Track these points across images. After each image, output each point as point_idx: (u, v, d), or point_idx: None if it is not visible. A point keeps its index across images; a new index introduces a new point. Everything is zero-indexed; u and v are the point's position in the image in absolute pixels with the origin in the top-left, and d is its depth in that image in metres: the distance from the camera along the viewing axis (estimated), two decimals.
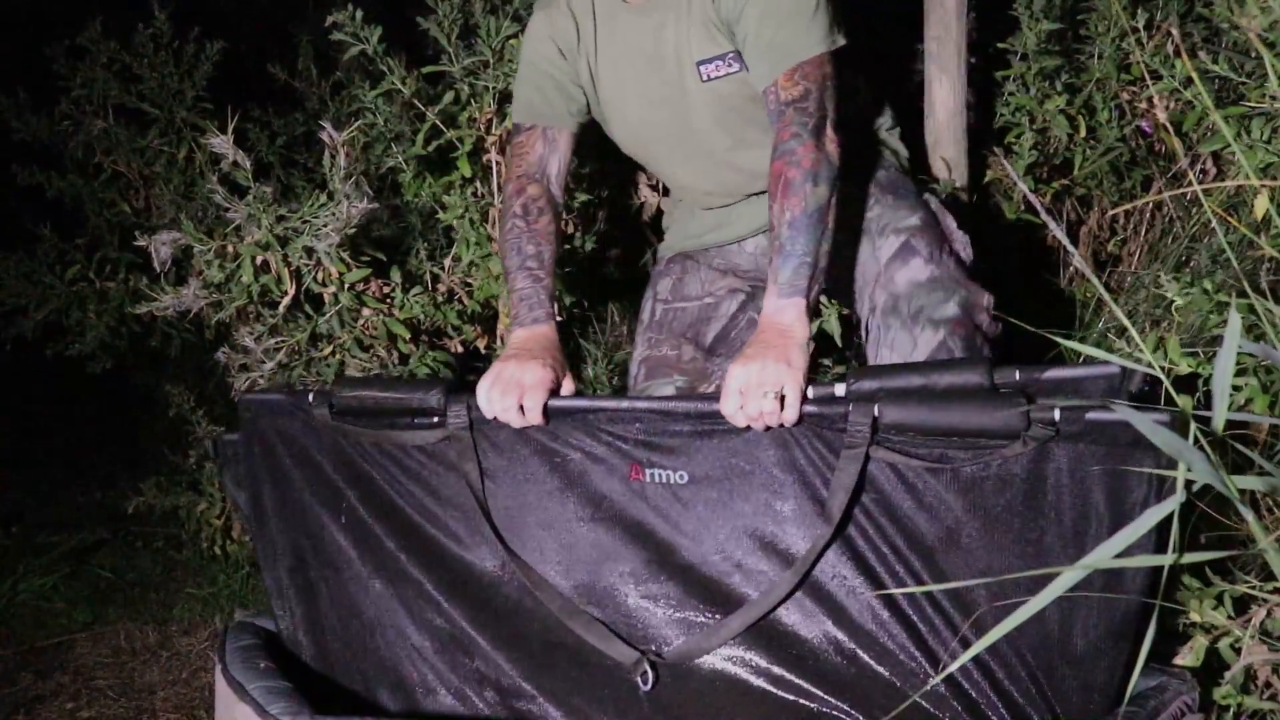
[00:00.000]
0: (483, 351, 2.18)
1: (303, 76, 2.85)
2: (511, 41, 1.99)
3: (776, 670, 1.33)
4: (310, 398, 1.50)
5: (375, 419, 1.48)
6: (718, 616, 1.36)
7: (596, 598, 1.41)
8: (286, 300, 1.89)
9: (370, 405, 1.47)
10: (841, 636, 1.31)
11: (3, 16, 3.58)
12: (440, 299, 2.08)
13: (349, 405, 1.48)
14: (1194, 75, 1.02)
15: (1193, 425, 0.72)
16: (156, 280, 1.92)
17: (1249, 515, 0.71)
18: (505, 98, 2.02)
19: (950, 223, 1.70)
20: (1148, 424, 0.75)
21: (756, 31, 1.53)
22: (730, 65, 1.60)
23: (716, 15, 1.58)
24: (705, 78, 1.62)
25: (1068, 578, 0.73)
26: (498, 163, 2.07)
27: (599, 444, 1.41)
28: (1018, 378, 1.25)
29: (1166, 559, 0.74)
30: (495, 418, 1.41)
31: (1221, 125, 1.09)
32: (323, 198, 1.85)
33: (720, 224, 1.85)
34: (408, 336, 1.97)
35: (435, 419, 1.46)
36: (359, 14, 1.96)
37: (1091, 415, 1.17)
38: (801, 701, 1.33)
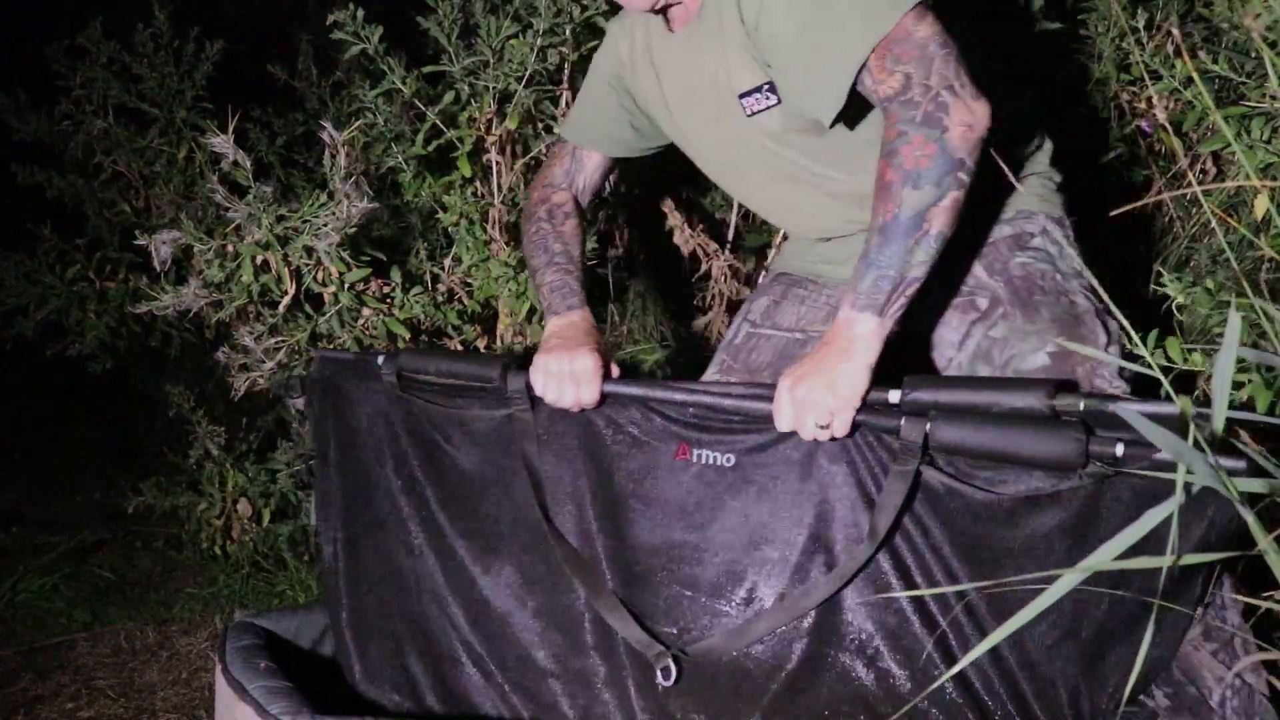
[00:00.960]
0: (482, 351, 2.18)
1: (303, 76, 2.86)
2: (511, 41, 1.99)
3: (793, 671, 1.32)
4: (380, 361, 1.54)
5: (437, 390, 1.51)
6: (748, 609, 1.34)
7: (632, 579, 1.40)
8: (286, 300, 1.89)
9: (434, 376, 1.50)
10: (863, 650, 1.29)
11: (2, 16, 3.58)
12: (440, 299, 2.08)
13: (413, 373, 1.51)
14: (1194, 75, 1.02)
15: (1192, 426, 0.71)
16: (156, 280, 1.93)
17: (1249, 516, 0.71)
18: (505, 98, 2.02)
19: (1100, 332, 1.41)
20: (1144, 423, 0.75)
21: (802, 44, 1.30)
22: (768, 98, 1.42)
23: (751, 42, 1.38)
24: (749, 112, 1.44)
25: (1068, 580, 0.72)
26: (498, 163, 2.07)
27: (649, 422, 1.40)
28: (1082, 407, 1.15)
29: (1165, 560, 0.73)
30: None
31: (1221, 125, 1.09)
32: (323, 197, 1.85)
33: (833, 259, 1.63)
34: (408, 336, 1.97)
35: (496, 396, 1.47)
36: (359, 14, 1.96)
37: (1161, 455, 1.08)
38: (814, 704, 1.31)
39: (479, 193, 2.09)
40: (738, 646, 1.33)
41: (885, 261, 1.24)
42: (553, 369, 1.41)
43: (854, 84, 1.28)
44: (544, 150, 2.10)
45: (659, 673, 1.34)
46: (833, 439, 1.26)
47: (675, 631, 1.38)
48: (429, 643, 1.51)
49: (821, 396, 1.23)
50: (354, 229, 1.85)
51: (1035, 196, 1.52)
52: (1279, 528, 0.75)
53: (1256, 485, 0.79)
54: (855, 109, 1.34)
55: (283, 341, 1.93)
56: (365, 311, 1.96)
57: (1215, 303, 1.31)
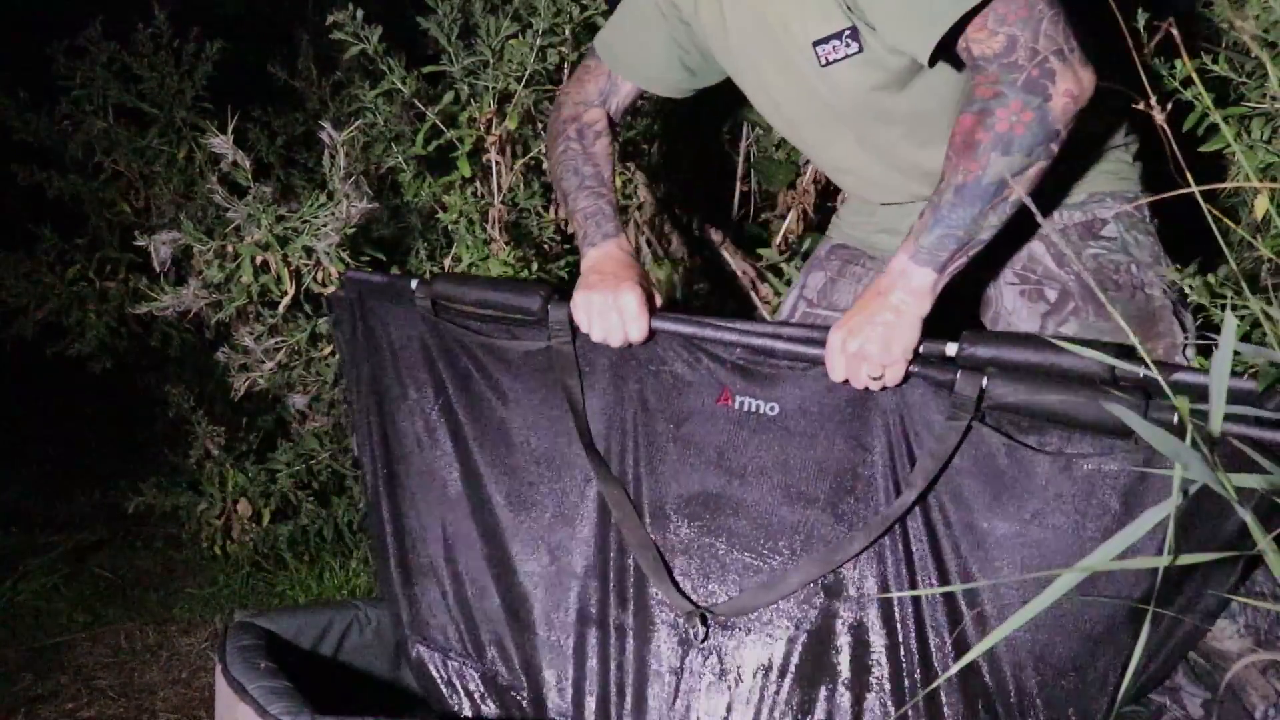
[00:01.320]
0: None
1: (303, 76, 2.85)
2: (511, 41, 1.99)
3: (819, 628, 1.30)
4: (414, 284, 1.49)
5: (474, 318, 1.47)
6: (780, 562, 1.32)
7: (668, 527, 1.38)
8: (286, 300, 1.89)
9: (471, 303, 1.46)
10: (889, 613, 1.26)
11: (2, 16, 3.57)
12: None
13: (449, 300, 1.47)
14: (1194, 75, 1.02)
15: (1190, 426, 0.71)
16: (156, 280, 1.92)
17: (1247, 515, 0.71)
18: (505, 98, 2.02)
19: (1176, 329, 1.35)
20: (1140, 423, 0.75)
21: None
22: (848, 45, 1.29)
23: None
24: (823, 61, 1.31)
25: (1067, 579, 0.72)
26: (497, 163, 2.07)
27: (695, 364, 1.37)
28: (1143, 374, 1.10)
29: (1162, 560, 0.73)
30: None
31: (1222, 125, 1.09)
32: (323, 198, 1.85)
33: (893, 228, 1.51)
34: None
35: (536, 327, 1.43)
36: (359, 14, 1.96)
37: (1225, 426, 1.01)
38: (839, 664, 1.30)
39: (479, 193, 2.09)
40: (767, 602, 1.31)
41: (956, 221, 1.19)
42: (596, 304, 1.36)
43: (956, 30, 1.18)
44: (543, 150, 2.09)
45: (688, 629, 1.33)
46: (884, 389, 1.24)
47: (708, 585, 1.35)
48: (455, 571, 1.49)
49: (875, 349, 1.20)
50: (354, 229, 1.85)
51: (1109, 175, 1.44)
52: (1278, 528, 0.75)
53: (1253, 481, 0.79)
54: (941, 74, 1.29)
55: (283, 341, 1.93)
56: None
57: (1211, 297, 1.30)
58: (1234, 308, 1.24)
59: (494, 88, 2.01)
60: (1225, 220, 0.97)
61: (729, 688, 1.34)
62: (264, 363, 1.94)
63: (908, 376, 1.23)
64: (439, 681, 1.52)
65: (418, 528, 1.53)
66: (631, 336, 1.36)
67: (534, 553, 1.46)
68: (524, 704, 1.46)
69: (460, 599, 1.50)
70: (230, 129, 1.80)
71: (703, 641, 1.33)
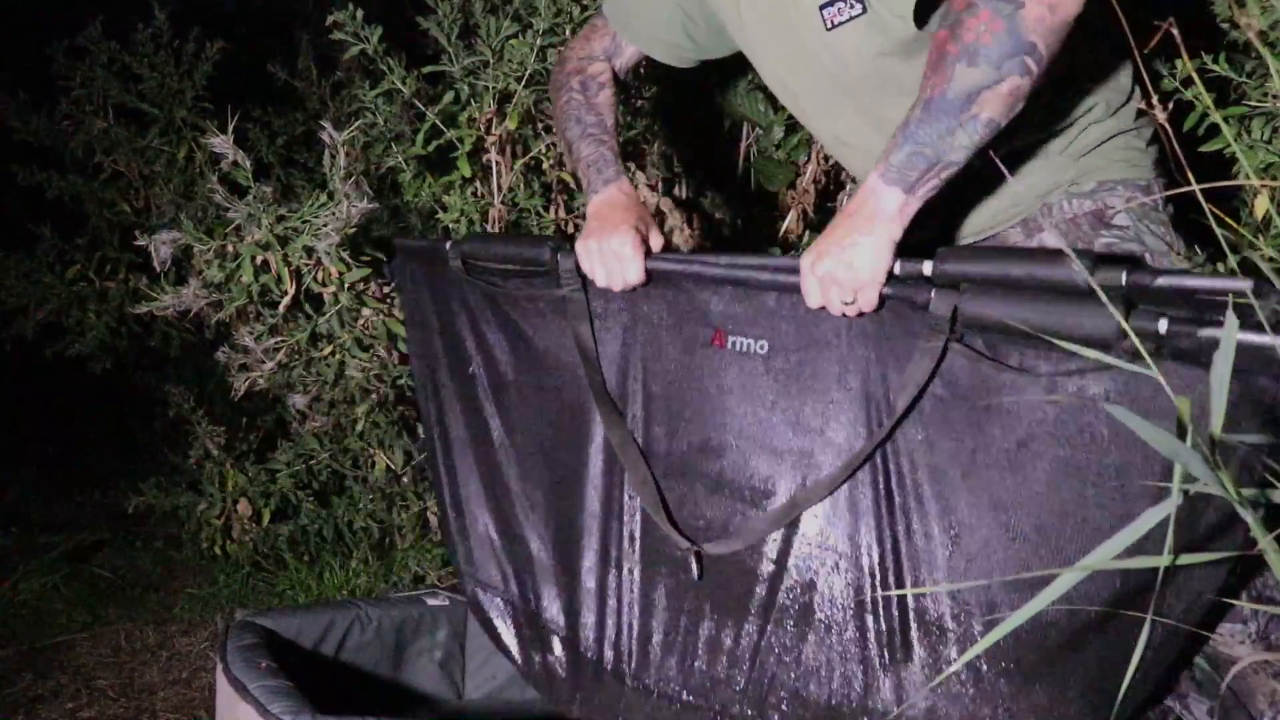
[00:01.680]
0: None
1: (303, 76, 2.86)
2: (511, 41, 1.99)
3: (800, 568, 1.29)
4: (448, 245, 1.57)
5: (497, 273, 1.53)
6: (768, 501, 1.31)
7: (670, 469, 1.39)
8: (286, 300, 1.89)
9: (493, 259, 1.53)
10: (857, 543, 1.24)
11: (2, 16, 3.58)
12: None
13: (476, 257, 1.55)
14: (1194, 75, 1.02)
15: (1191, 429, 0.71)
16: (156, 280, 1.92)
17: (1249, 516, 0.71)
18: (505, 98, 2.02)
19: None
20: (1142, 423, 0.73)
21: None
22: (853, 7, 1.28)
23: None
24: (829, 24, 1.31)
25: (1067, 579, 0.70)
26: (498, 163, 2.07)
27: (690, 306, 1.37)
28: (1124, 281, 1.03)
29: (1163, 560, 0.71)
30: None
31: (1222, 125, 1.09)
32: (323, 197, 1.85)
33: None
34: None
35: (550, 278, 1.47)
36: (359, 14, 1.96)
37: (1205, 333, 0.97)
38: (819, 604, 1.28)
39: (479, 193, 2.09)
40: (753, 540, 1.31)
41: (924, 138, 1.15)
42: (594, 250, 1.38)
43: None
44: (544, 150, 2.09)
45: (683, 570, 1.34)
46: (861, 315, 1.21)
47: (703, 523, 1.36)
48: (506, 530, 1.56)
49: (844, 273, 1.17)
50: (354, 229, 1.85)
51: (1120, 163, 1.41)
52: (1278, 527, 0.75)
53: (1252, 492, 0.79)
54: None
55: (283, 341, 1.93)
56: (365, 311, 1.96)
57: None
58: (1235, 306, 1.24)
59: (494, 88, 2.01)
60: (1228, 220, 0.97)
61: (724, 626, 1.35)
62: (264, 363, 1.94)
63: (884, 302, 1.19)
64: (492, 620, 1.58)
65: (465, 475, 1.61)
66: (629, 278, 1.37)
67: (557, 497, 1.50)
68: (562, 643, 1.50)
69: (501, 542, 1.57)
70: (230, 129, 1.80)
71: (699, 580, 1.34)
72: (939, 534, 1.19)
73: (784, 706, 1.30)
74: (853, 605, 1.26)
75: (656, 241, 1.42)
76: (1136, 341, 0.91)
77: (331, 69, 2.81)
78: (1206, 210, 0.90)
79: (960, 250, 1.17)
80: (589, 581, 1.47)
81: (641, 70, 2.02)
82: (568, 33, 2.00)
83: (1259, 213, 1.37)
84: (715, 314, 1.35)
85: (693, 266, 1.35)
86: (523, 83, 2.00)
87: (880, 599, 1.23)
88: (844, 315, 1.22)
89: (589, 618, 1.47)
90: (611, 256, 1.37)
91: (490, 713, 1.74)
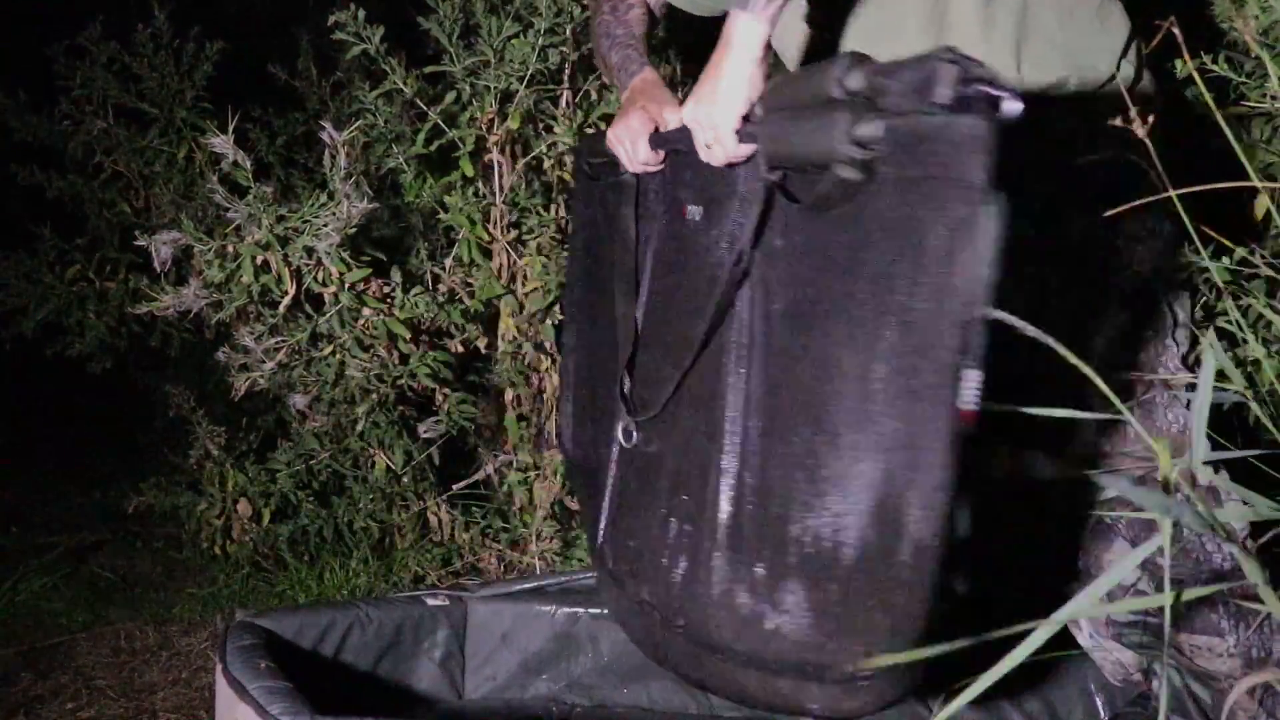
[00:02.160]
0: (483, 351, 2.18)
1: (303, 76, 2.85)
2: (512, 41, 1.99)
3: (683, 432, 1.27)
4: (582, 152, 1.63)
5: (602, 169, 1.54)
6: (673, 376, 1.28)
7: (643, 343, 1.41)
8: (286, 300, 1.89)
9: (593, 154, 1.55)
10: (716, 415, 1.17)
11: (2, 16, 3.58)
12: (441, 299, 2.08)
13: (590, 158, 1.58)
14: (1194, 75, 1.02)
15: (1174, 473, 0.68)
16: (156, 280, 1.93)
17: (1235, 550, 0.69)
18: (506, 98, 2.02)
19: (1166, 314, 1.28)
20: (1131, 489, 0.67)
21: None
22: None
23: None
24: None
25: (1040, 634, 0.63)
26: (499, 163, 2.07)
27: (669, 181, 1.39)
28: (862, 83, 0.92)
29: (1166, 598, 0.68)
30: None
31: (1222, 125, 1.09)
32: (323, 198, 1.85)
33: None
34: (408, 336, 1.97)
35: (615, 165, 1.48)
36: (360, 14, 1.96)
37: (893, 124, 0.86)
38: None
39: (480, 192, 2.09)
40: (653, 411, 1.31)
41: None
42: (611, 135, 1.41)
43: None
44: (545, 150, 2.09)
45: (622, 435, 1.39)
46: (732, 165, 1.14)
47: (643, 395, 1.38)
48: (580, 415, 1.63)
49: (703, 110, 1.13)
50: (354, 229, 1.86)
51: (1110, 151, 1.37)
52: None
53: (1234, 516, 0.76)
54: None
55: (283, 341, 1.93)
56: (365, 311, 1.96)
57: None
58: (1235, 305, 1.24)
59: (495, 88, 2.01)
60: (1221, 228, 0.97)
61: (644, 497, 1.35)
62: (264, 363, 1.94)
63: (746, 147, 1.12)
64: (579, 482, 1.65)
65: (572, 368, 1.67)
66: (637, 157, 1.39)
67: (600, 384, 1.54)
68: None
69: (575, 425, 1.63)
70: (230, 129, 1.81)
71: (633, 449, 1.38)
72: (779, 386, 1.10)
73: (670, 597, 1.23)
74: (705, 481, 1.19)
75: (667, 119, 1.37)
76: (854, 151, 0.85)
77: (332, 69, 2.81)
78: (1185, 220, 0.89)
79: (789, 74, 1.14)
80: (608, 464, 1.49)
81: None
82: (568, 33, 2.00)
83: (1259, 213, 1.37)
84: (682, 184, 1.35)
85: (667, 137, 1.34)
86: (524, 82, 2.00)
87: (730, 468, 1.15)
88: (727, 166, 1.16)
89: (600, 497, 1.50)
90: (626, 139, 1.39)
91: (490, 713, 1.74)
